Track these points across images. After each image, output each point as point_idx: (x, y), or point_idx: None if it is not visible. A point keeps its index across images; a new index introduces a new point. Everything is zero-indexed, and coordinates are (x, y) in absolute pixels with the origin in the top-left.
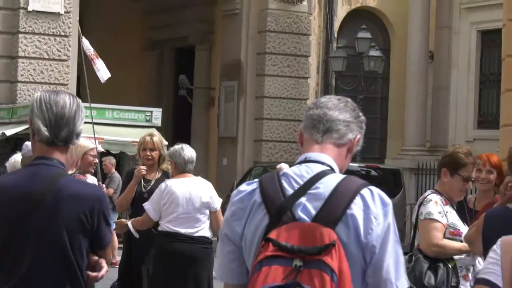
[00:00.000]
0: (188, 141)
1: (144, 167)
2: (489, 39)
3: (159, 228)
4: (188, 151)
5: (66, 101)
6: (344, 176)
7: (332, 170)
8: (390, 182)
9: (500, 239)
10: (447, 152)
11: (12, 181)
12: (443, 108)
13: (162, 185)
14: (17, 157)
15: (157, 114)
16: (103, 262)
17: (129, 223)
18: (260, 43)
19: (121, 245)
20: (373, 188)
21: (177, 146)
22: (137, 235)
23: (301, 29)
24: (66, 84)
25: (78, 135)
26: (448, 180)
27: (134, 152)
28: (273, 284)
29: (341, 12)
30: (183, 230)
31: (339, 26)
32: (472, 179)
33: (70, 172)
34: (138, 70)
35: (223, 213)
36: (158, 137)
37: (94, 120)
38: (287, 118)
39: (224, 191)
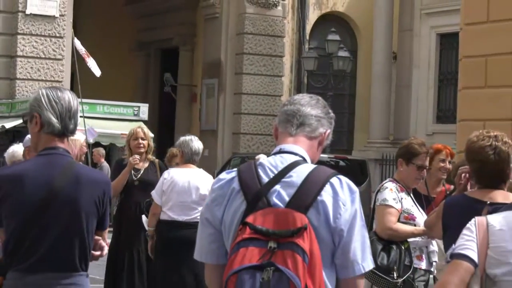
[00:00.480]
0: (172, 134)
1: (138, 156)
2: (447, 42)
3: (160, 217)
4: (196, 143)
5: (70, 97)
6: (315, 166)
7: (304, 161)
8: (357, 172)
9: (474, 219)
10: (403, 143)
11: (31, 169)
12: (405, 104)
13: (165, 173)
14: (16, 148)
15: (144, 109)
16: (102, 242)
17: (143, 216)
18: (238, 44)
19: (111, 229)
20: (341, 177)
21: (187, 137)
22: (147, 227)
23: (276, 32)
24: (61, 81)
25: (77, 127)
26: (404, 169)
27: (123, 143)
28: (249, 264)
29: (312, 16)
30: (179, 218)
31: (310, 29)
32: (426, 167)
33: None
34: (127, 69)
35: None
36: (146, 129)
37: (86, 114)
38: (263, 113)
39: None
